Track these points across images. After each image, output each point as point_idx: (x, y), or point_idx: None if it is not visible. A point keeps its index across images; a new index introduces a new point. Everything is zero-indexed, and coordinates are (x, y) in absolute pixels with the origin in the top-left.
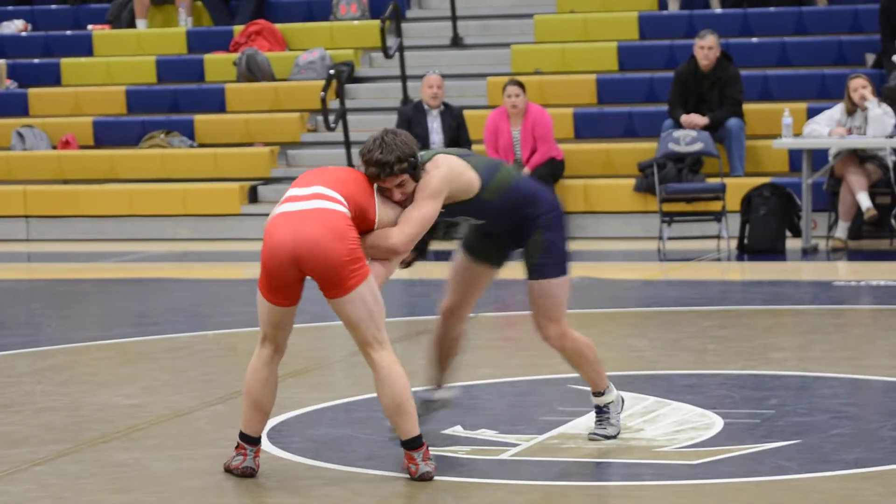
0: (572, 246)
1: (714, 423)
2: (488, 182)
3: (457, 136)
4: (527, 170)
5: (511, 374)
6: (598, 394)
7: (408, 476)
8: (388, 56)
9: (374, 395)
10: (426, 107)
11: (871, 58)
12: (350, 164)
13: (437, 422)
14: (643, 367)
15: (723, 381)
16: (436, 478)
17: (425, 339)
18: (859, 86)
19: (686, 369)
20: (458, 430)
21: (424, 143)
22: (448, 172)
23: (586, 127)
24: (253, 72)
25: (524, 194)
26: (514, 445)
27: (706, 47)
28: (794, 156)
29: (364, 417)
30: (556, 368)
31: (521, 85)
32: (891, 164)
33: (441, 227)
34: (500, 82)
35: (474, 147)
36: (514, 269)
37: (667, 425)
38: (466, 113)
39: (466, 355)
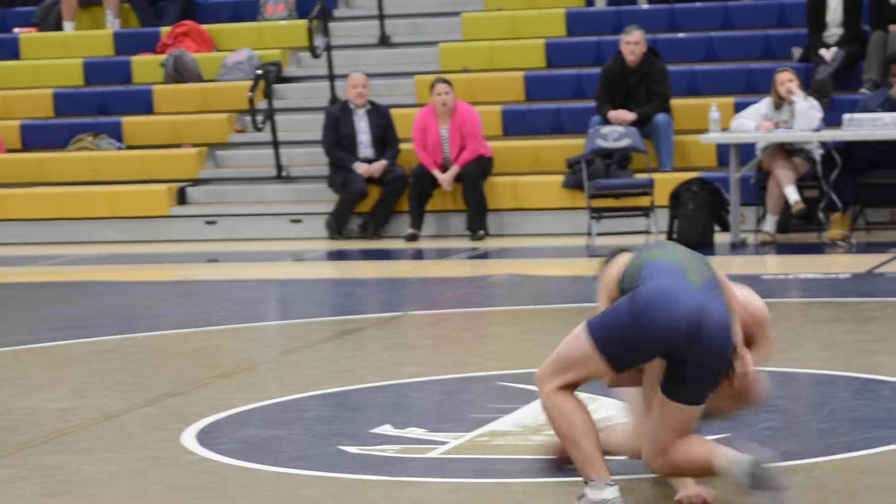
0: (502, 243)
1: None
2: None
3: (384, 135)
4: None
5: (439, 372)
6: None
7: (333, 474)
8: (315, 56)
9: (304, 395)
10: (352, 106)
11: (797, 52)
12: (278, 164)
13: (366, 420)
14: None
15: None
16: (365, 476)
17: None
18: (786, 79)
19: None
20: (387, 429)
21: (352, 143)
22: None
23: (514, 124)
24: (180, 73)
25: None
26: (444, 443)
27: (632, 42)
28: (722, 150)
29: (293, 418)
30: (483, 366)
31: (449, 83)
32: (818, 158)
33: None
34: (428, 81)
35: (403, 146)
36: (441, 267)
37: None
38: (395, 112)
39: (394, 354)
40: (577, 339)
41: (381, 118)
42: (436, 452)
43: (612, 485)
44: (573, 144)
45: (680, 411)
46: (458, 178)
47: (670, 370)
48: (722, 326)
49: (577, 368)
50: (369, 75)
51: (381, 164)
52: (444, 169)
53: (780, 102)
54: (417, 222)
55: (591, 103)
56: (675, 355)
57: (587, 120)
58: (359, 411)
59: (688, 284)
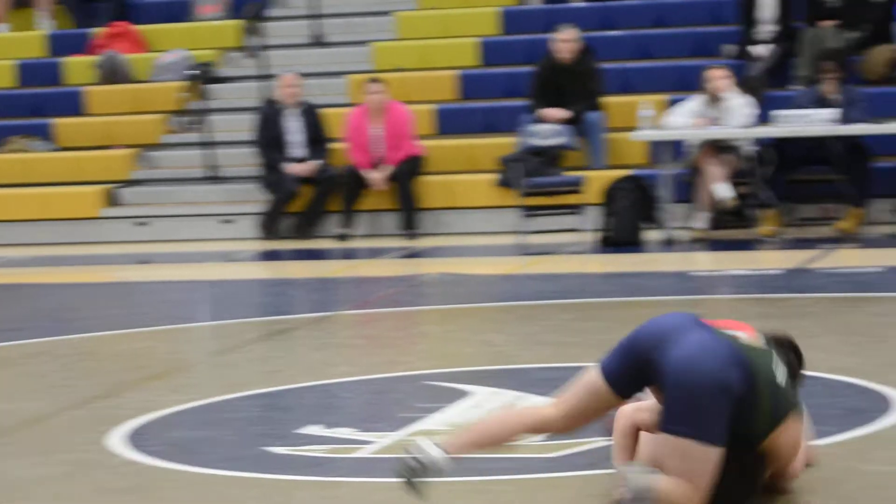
0: (435, 242)
1: None
2: None
3: (316, 135)
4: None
5: (369, 371)
6: None
7: (261, 475)
8: (249, 55)
9: (234, 395)
10: (284, 106)
11: (730, 49)
12: (210, 164)
13: (295, 421)
14: (502, 361)
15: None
16: (293, 477)
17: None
18: (718, 76)
19: (545, 363)
20: (316, 429)
21: (284, 143)
22: None
23: (448, 123)
24: (113, 74)
25: None
26: (373, 443)
27: (565, 41)
28: (655, 148)
29: (223, 419)
30: (413, 365)
31: (382, 82)
32: (749, 155)
33: None
34: (362, 80)
35: (335, 146)
36: (373, 266)
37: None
38: (328, 111)
39: (325, 354)
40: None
41: (313, 118)
42: (365, 452)
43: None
44: (506, 143)
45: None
46: (390, 178)
47: None
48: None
49: None
50: (303, 75)
51: (313, 164)
52: (376, 168)
53: (712, 99)
54: (349, 222)
55: (524, 102)
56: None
57: (520, 118)
58: (288, 412)
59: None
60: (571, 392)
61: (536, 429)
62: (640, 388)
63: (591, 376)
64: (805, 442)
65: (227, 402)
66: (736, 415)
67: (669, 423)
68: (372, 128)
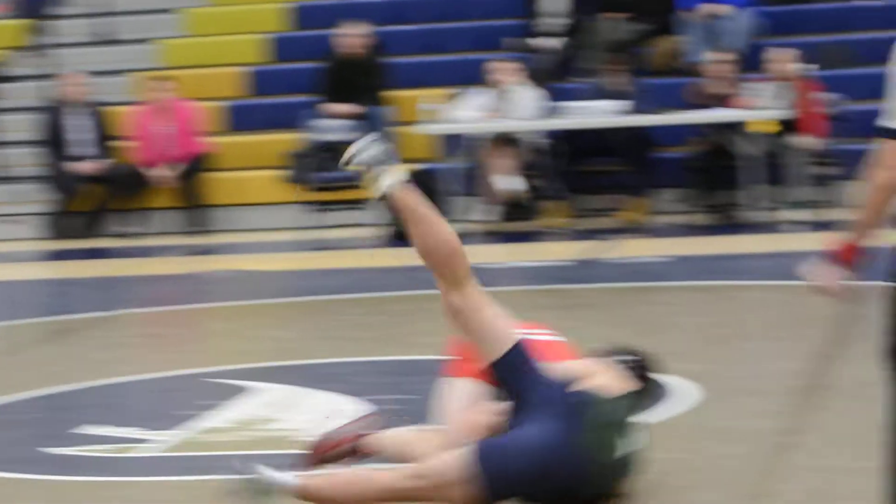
0: (224, 239)
1: (359, 410)
2: None
3: (103, 134)
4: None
5: (154, 370)
6: None
7: (43, 477)
8: (35, 54)
9: (15, 397)
10: (70, 104)
11: (516, 42)
12: None
13: (78, 421)
14: (288, 357)
15: (369, 368)
16: (75, 478)
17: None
18: (503, 68)
19: (332, 357)
20: (99, 429)
21: (70, 142)
22: None
23: (237, 119)
24: None
25: None
26: (156, 442)
27: (352, 35)
28: (442, 141)
29: (5, 421)
30: (199, 363)
31: (169, 79)
32: (536, 147)
33: None
34: (149, 77)
35: (123, 144)
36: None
37: (312, 414)
38: (115, 109)
39: (109, 353)
40: None
41: (100, 116)
42: (148, 451)
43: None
44: (296, 139)
45: None
46: (179, 175)
47: None
48: None
49: None
50: (90, 73)
51: (99, 163)
52: (164, 166)
53: (496, 91)
54: (135, 220)
55: (313, 97)
56: None
57: (308, 114)
58: (71, 412)
59: None
60: None
61: None
62: None
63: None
64: None
65: (7, 405)
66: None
67: None
68: (159, 125)
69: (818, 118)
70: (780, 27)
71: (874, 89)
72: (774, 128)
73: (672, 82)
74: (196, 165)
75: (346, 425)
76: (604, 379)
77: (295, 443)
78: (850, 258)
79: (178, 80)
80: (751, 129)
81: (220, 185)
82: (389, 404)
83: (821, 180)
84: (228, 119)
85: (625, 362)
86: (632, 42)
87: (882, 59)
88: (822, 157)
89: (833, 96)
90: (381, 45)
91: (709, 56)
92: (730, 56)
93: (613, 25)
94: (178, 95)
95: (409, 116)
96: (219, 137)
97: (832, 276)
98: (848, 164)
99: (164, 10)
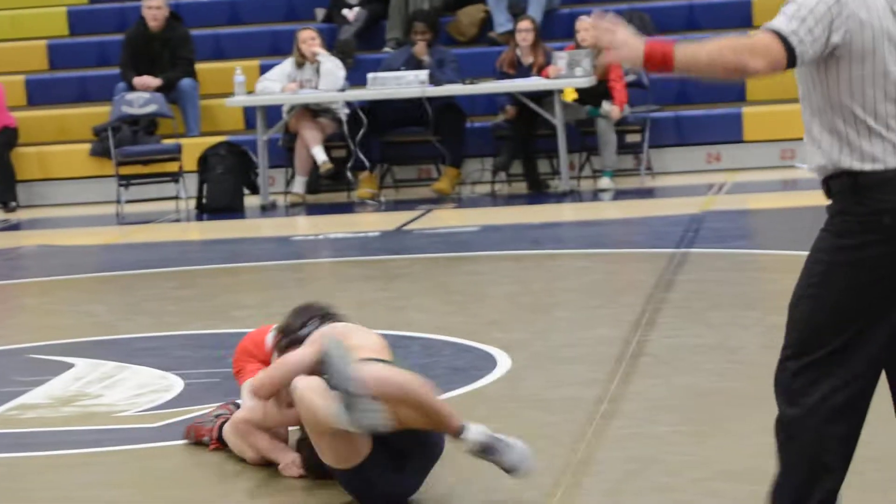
0: (31, 214)
1: (174, 384)
2: None
3: None
4: None
5: None
6: None
7: None
8: None
9: None
10: None
11: (321, 12)
12: None
13: None
14: (102, 332)
15: (183, 342)
16: None
17: None
18: (308, 38)
19: (145, 332)
20: None
21: None
22: None
23: (39, 93)
24: None
25: None
26: None
27: (154, 7)
28: (249, 113)
29: None
30: (13, 339)
31: None
32: (344, 117)
33: None
34: None
35: None
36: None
37: (127, 389)
38: None
39: None
40: None
41: None
42: None
43: None
44: (99, 112)
45: None
46: None
47: None
48: None
49: None
50: None
51: None
52: None
53: (302, 61)
54: None
55: (116, 70)
56: None
57: (112, 87)
58: None
59: None
60: None
61: None
62: None
63: None
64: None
65: None
66: None
67: None
68: None
69: (621, 86)
70: None
71: None
72: (576, 96)
73: (479, 51)
74: (1, 140)
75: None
76: None
77: (111, 418)
78: (659, 56)
79: None
80: (561, 97)
81: (25, 159)
82: (202, 378)
83: (625, 148)
84: (29, 93)
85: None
86: (436, 11)
87: (676, 27)
88: (625, 125)
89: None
90: (179, 17)
91: (515, 25)
92: (532, 24)
93: None
94: None
95: (214, 89)
96: (20, 112)
97: (626, 42)
98: (650, 132)
99: None
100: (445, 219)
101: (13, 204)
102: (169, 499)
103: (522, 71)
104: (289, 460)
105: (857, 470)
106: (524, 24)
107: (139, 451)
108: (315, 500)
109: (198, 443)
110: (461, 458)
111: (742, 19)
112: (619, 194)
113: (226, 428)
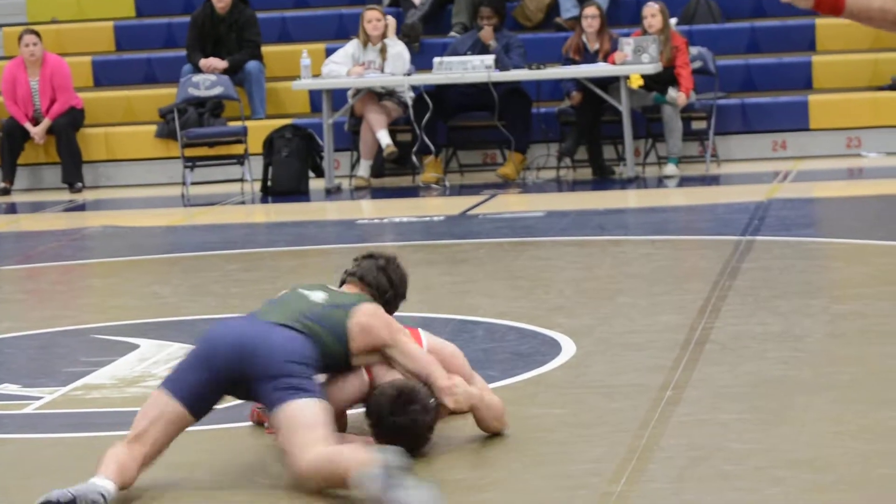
0: (97, 195)
1: None
2: None
3: None
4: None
5: (34, 327)
6: None
7: None
8: None
9: None
10: None
11: None
12: None
13: None
14: (167, 313)
15: None
16: None
17: None
18: (374, 18)
19: (210, 314)
20: None
21: None
22: None
23: (105, 74)
24: None
25: None
26: (38, 399)
27: None
28: (315, 96)
29: None
30: (79, 319)
31: (37, 34)
32: (409, 102)
33: None
34: (16, 32)
35: None
36: (36, 221)
37: None
38: None
39: None
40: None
41: None
42: (31, 408)
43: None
44: (165, 94)
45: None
46: (50, 131)
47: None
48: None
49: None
50: None
51: None
52: (35, 122)
53: (366, 41)
54: (10, 176)
55: (182, 52)
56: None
57: (178, 69)
58: None
59: (245, 320)
60: (148, 426)
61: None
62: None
63: (161, 402)
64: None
65: None
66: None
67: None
68: (29, 80)
69: (687, 73)
70: None
71: (736, 44)
72: (642, 82)
73: (545, 37)
74: (68, 120)
75: None
76: None
77: None
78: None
79: (44, 35)
80: (627, 84)
81: (91, 140)
82: None
83: (691, 135)
84: (96, 74)
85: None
86: None
87: (744, 15)
88: (691, 112)
89: (699, 51)
90: (247, 0)
91: (581, 11)
92: (598, 10)
93: None
94: (45, 50)
95: (280, 72)
96: (87, 93)
97: None
98: (716, 119)
99: None
100: (510, 204)
101: (79, 185)
102: (233, 480)
103: (588, 57)
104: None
105: None
106: (590, 11)
107: (202, 433)
108: None
109: (259, 424)
110: (525, 444)
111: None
112: (684, 181)
113: None
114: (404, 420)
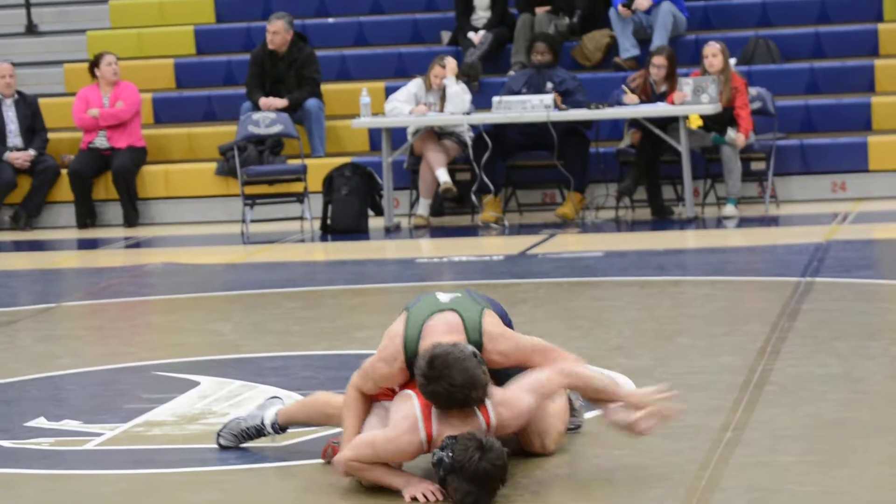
0: (156, 232)
1: None
2: None
3: (32, 125)
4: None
5: (95, 363)
6: None
7: None
8: None
9: None
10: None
11: (447, 35)
12: None
13: (20, 414)
14: (228, 350)
15: (308, 363)
16: (19, 470)
17: None
18: (440, 73)
19: (271, 351)
20: (41, 422)
21: (0, 134)
22: None
23: (166, 112)
24: None
25: None
26: (99, 435)
27: (271, 32)
28: (374, 135)
29: None
30: (139, 356)
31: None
32: (468, 141)
33: None
34: (77, 69)
35: (52, 136)
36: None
37: (252, 408)
38: (44, 101)
39: (49, 345)
40: None
41: (28, 107)
42: (92, 444)
43: None
44: (225, 131)
45: None
46: (111, 168)
47: None
48: None
49: None
50: (16, 64)
51: (29, 154)
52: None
53: (430, 86)
54: (69, 212)
55: (242, 90)
56: None
57: (238, 106)
58: (13, 405)
59: None
60: None
61: None
62: None
63: None
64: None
65: None
66: None
67: None
68: (102, 97)
69: (746, 113)
70: (701, 23)
71: (795, 85)
72: (702, 122)
73: (604, 76)
74: (130, 157)
75: None
76: None
77: None
78: None
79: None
80: (686, 124)
81: (151, 177)
82: None
83: (750, 175)
84: (156, 111)
85: None
86: (561, 36)
87: (803, 55)
88: (750, 153)
89: (758, 91)
90: (305, 38)
91: (649, 57)
92: (665, 51)
93: (544, 19)
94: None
95: (339, 110)
96: (147, 130)
97: None
98: (775, 160)
99: (91, 1)
100: (569, 244)
101: (137, 222)
102: None
103: (654, 98)
104: (419, 487)
105: None
106: (658, 60)
107: (264, 470)
108: None
109: (330, 462)
110: (587, 485)
111: (869, 47)
112: (744, 222)
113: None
114: (487, 466)
